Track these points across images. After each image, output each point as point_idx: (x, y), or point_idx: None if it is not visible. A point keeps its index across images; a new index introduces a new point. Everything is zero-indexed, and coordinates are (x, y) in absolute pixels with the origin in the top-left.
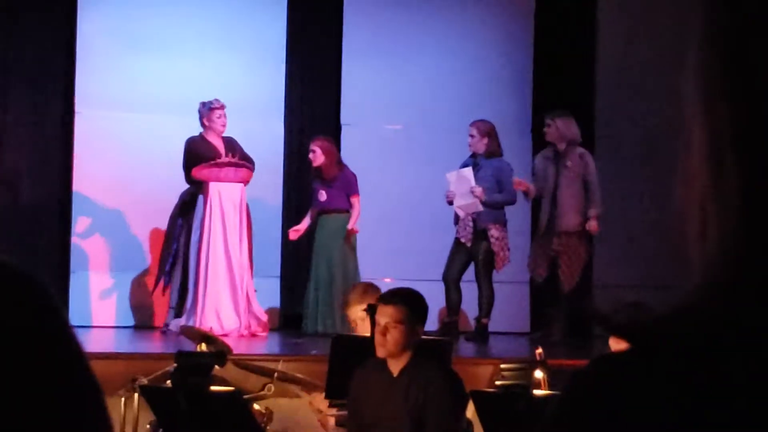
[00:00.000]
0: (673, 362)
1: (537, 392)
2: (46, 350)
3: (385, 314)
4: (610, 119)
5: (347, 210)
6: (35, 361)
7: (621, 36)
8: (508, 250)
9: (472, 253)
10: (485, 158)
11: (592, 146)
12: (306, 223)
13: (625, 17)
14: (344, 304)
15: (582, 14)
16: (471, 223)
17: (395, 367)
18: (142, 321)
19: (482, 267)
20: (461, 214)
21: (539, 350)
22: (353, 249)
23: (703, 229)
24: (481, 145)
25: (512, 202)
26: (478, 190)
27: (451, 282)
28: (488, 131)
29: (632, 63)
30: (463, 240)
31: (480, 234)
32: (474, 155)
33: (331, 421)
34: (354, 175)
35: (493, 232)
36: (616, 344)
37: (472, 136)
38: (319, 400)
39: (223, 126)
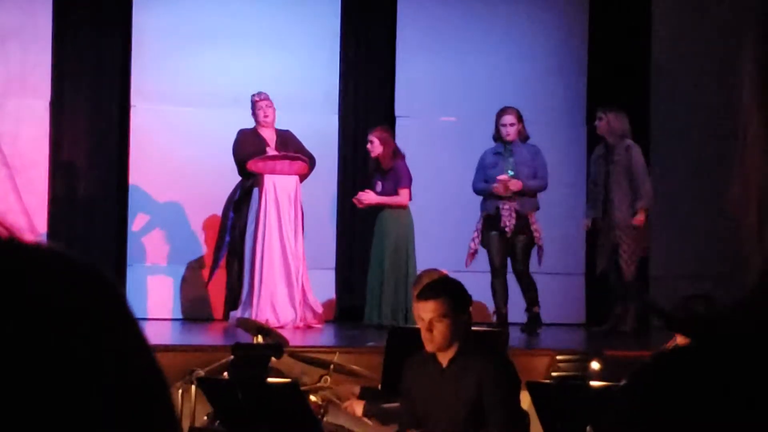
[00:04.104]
0: (732, 358)
1: (593, 383)
2: (112, 341)
3: (428, 310)
4: (666, 111)
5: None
6: (101, 352)
7: (676, 26)
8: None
9: (512, 243)
10: (521, 142)
11: (648, 138)
12: (374, 197)
13: (679, 8)
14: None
15: (637, 5)
16: (514, 213)
17: (444, 358)
18: (198, 313)
19: (523, 257)
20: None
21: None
22: (408, 241)
23: (761, 225)
24: (516, 131)
25: (545, 188)
26: (515, 183)
27: (502, 273)
28: (521, 116)
29: (687, 54)
30: (507, 229)
31: (521, 223)
32: (507, 142)
33: (359, 410)
34: (407, 169)
35: (533, 220)
36: (682, 337)
37: (512, 124)
38: (357, 406)
39: (265, 117)
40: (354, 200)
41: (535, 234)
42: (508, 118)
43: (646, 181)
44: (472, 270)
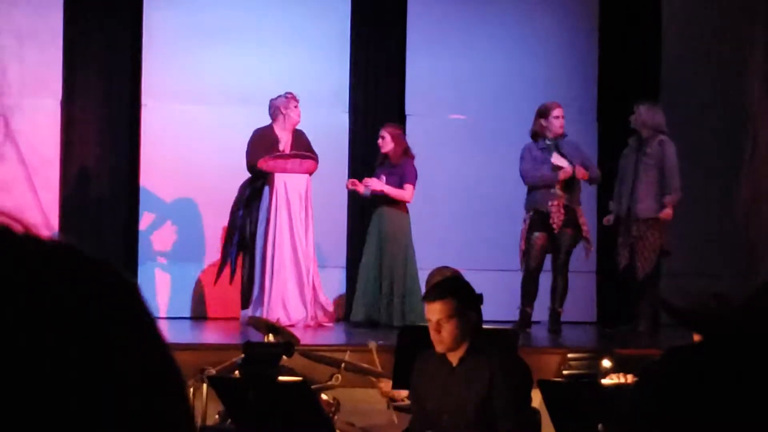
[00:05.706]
0: (743, 355)
1: (604, 381)
2: (128, 338)
3: (435, 311)
4: (677, 108)
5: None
6: (116, 349)
7: (686, 22)
8: None
9: (558, 237)
10: (562, 138)
11: None
12: (378, 183)
13: (689, 3)
14: None
15: (647, 1)
16: (563, 209)
17: (454, 356)
18: (209, 312)
19: (566, 252)
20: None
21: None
22: (407, 238)
23: None
24: (563, 124)
25: (600, 175)
26: (581, 172)
27: (536, 274)
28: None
29: (698, 50)
30: (555, 225)
31: (569, 218)
32: (559, 135)
33: (402, 392)
34: (414, 168)
35: (580, 213)
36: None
37: (564, 117)
38: (387, 384)
39: (298, 116)
40: (348, 183)
41: (583, 227)
42: (560, 111)
43: (677, 178)
44: (483, 268)
